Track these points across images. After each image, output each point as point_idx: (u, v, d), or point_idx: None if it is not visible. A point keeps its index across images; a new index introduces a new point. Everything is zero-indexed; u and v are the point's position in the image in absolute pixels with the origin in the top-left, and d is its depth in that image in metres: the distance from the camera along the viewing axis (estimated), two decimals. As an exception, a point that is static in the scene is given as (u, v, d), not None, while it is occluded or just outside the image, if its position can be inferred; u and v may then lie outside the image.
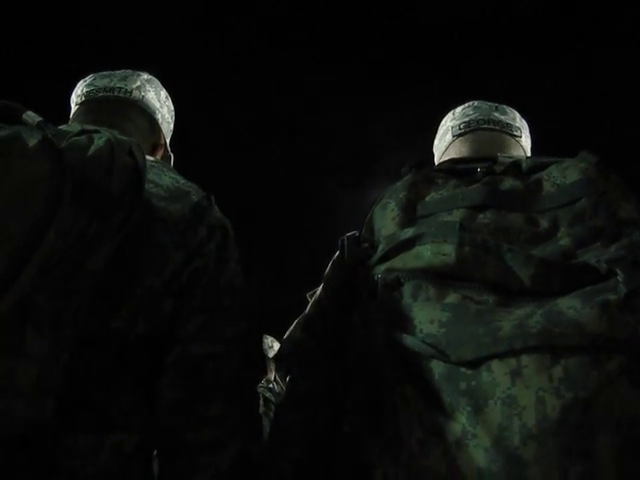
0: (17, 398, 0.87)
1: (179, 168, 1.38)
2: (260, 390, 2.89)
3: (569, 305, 0.87)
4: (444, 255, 0.97)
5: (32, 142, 0.94)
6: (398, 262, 1.01)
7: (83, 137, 1.04)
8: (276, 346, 3.35)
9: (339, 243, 1.17)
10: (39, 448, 0.98)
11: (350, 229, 1.21)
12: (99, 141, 1.02)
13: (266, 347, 3.30)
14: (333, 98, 4.96)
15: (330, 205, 5.71)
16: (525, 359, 0.83)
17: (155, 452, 1.20)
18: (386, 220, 1.13)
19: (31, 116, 1.08)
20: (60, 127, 1.13)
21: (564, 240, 1.00)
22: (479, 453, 0.81)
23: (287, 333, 1.26)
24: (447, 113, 1.57)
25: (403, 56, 4.73)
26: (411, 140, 4.66)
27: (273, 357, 1.24)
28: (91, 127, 1.10)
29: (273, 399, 2.92)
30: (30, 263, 0.87)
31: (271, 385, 3.14)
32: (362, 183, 5.60)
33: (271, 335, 3.43)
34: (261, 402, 2.83)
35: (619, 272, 0.90)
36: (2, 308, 0.85)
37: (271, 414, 2.74)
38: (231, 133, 5.14)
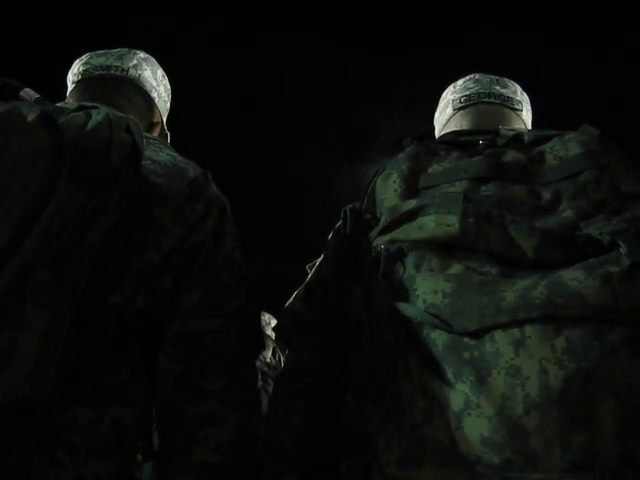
0: (19, 369, 0.87)
1: (176, 145, 1.38)
2: (257, 365, 2.89)
3: (572, 277, 0.87)
4: (448, 226, 0.97)
5: (31, 117, 0.94)
6: (401, 233, 1.01)
7: (81, 113, 1.04)
8: (274, 323, 3.36)
9: (341, 214, 1.16)
10: (40, 420, 0.99)
11: (347, 203, 1.21)
12: (97, 117, 1.03)
13: (263, 324, 3.30)
14: (330, 72, 4.93)
15: (327, 179, 5.69)
16: (529, 329, 0.83)
17: (155, 426, 1.21)
18: (388, 191, 1.13)
19: (29, 93, 1.09)
20: (57, 104, 1.13)
21: (567, 212, 1.00)
22: (482, 422, 0.82)
23: (287, 304, 1.26)
24: (446, 86, 1.57)
25: (401, 30, 4.69)
26: (409, 114, 4.64)
27: (273, 328, 1.25)
28: (89, 104, 1.10)
29: (270, 374, 2.93)
30: (30, 237, 0.87)
31: (268, 360, 3.15)
32: (360, 157, 5.58)
33: (267, 312, 3.44)
34: (259, 377, 2.83)
35: (622, 244, 0.90)
36: (2, 281, 0.85)
37: (269, 389, 2.76)
38: (226, 107, 5.11)
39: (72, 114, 1.03)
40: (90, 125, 1.01)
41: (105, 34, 3.97)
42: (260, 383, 2.88)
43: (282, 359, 2.75)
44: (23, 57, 4.17)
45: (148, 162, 1.17)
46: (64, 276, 0.94)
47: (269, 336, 3.17)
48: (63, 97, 1.47)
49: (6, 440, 0.96)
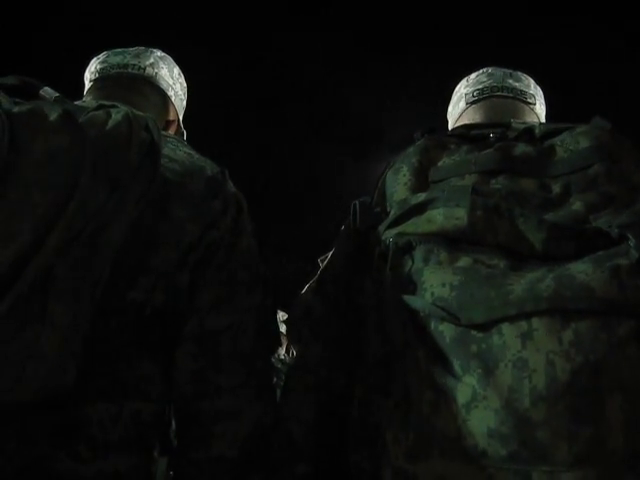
0: (42, 364, 0.89)
1: (192, 143, 1.38)
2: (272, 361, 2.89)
3: (580, 270, 0.87)
4: (456, 219, 0.97)
5: (53, 116, 0.95)
6: (410, 226, 1.01)
7: (101, 112, 1.05)
8: (286, 319, 3.37)
9: (351, 208, 1.17)
10: (61, 415, 1.01)
11: (353, 200, 1.21)
12: (117, 116, 1.04)
13: (278, 321, 3.29)
14: (342, 69, 4.93)
15: (338, 175, 5.70)
16: (536, 322, 0.83)
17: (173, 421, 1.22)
18: (398, 185, 1.13)
19: (48, 92, 1.10)
20: (76, 103, 1.15)
21: (576, 205, 1.00)
22: (489, 415, 0.82)
23: (298, 297, 1.27)
24: (453, 84, 1.56)
25: (409, 28, 4.69)
26: (420, 111, 4.64)
27: (284, 321, 1.25)
28: (108, 102, 1.11)
29: (284, 370, 2.94)
30: (52, 234, 0.89)
31: (282, 357, 3.16)
32: (371, 154, 5.58)
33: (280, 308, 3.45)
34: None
35: (631, 237, 0.90)
36: (26, 277, 0.87)
37: (281, 384, 2.77)
38: (240, 104, 5.13)
39: (92, 113, 1.04)
40: (110, 124, 1.02)
41: (117, 33, 4.00)
42: (274, 379, 2.89)
43: (294, 352, 2.76)
44: (39, 56, 4.20)
45: (166, 160, 1.18)
46: (85, 273, 0.95)
47: (283, 333, 3.18)
48: (79, 95, 1.48)
49: (28, 434, 0.98)
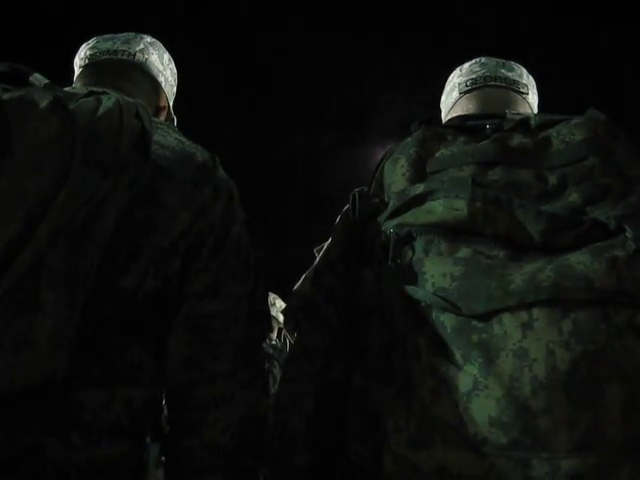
0: (34, 352, 0.89)
1: (182, 129, 1.38)
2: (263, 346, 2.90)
3: (579, 260, 0.88)
4: (456, 210, 0.98)
5: (43, 103, 0.95)
6: (410, 217, 1.02)
7: (91, 99, 1.05)
8: (278, 303, 3.38)
9: (350, 198, 1.17)
10: (54, 402, 1.00)
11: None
12: (107, 102, 1.03)
13: (268, 304, 3.30)
14: (328, 54, 4.92)
15: (324, 162, 5.69)
16: (536, 312, 0.85)
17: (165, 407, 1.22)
18: (396, 176, 1.14)
19: (38, 78, 1.09)
20: (66, 89, 1.14)
21: (573, 197, 1.01)
22: (490, 403, 0.84)
23: (295, 287, 1.27)
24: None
25: (399, 11, 4.68)
26: (405, 97, 4.64)
27: (281, 312, 1.26)
28: (98, 89, 1.10)
29: (275, 355, 2.95)
30: (44, 223, 0.89)
31: (274, 342, 3.17)
32: (357, 140, 5.57)
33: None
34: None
35: (628, 229, 0.91)
36: (18, 266, 0.87)
37: (274, 370, 2.78)
38: (224, 88, 5.10)
39: (82, 100, 1.04)
40: (101, 111, 1.02)
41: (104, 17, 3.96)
42: (266, 365, 2.89)
43: (288, 341, 2.78)
44: (27, 42, 4.16)
45: (157, 147, 1.17)
46: (76, 260, 0.95)
47: (274, 317, 3.19)
48: (69, 81, 1.47)
49: (21, 421, 0.97)
